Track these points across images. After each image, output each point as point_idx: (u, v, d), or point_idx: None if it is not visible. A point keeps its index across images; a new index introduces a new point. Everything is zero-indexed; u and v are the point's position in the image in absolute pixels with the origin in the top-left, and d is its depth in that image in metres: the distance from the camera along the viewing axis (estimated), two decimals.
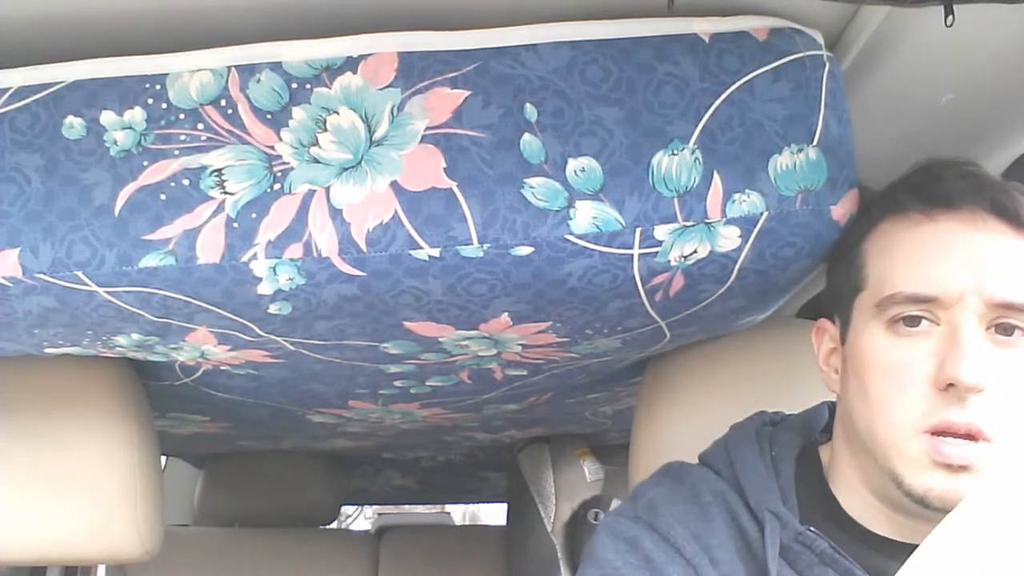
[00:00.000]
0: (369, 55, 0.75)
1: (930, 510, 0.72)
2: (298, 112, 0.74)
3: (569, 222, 0.73)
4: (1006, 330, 0.73)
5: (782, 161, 0.74)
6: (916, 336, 0.73)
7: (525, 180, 0.73)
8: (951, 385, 0.70)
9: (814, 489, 0.82)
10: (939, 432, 0.71)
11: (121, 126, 0.76)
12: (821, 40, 0.78)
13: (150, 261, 0.75)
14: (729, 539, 0.79)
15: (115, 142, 0.76)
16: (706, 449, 0.89)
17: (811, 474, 0.83)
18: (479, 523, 4.33)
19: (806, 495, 0.81)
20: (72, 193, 0.75)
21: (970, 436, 0.71)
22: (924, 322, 0.73)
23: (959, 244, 0.73)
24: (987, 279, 0.72)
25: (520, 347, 0.96)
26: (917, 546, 0.71)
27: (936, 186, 0.76)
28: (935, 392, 0.71)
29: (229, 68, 0.76)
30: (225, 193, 0.74)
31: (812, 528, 0.77)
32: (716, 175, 0.74)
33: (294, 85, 0.75)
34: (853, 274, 0.78)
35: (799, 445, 0.86)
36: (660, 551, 0.78)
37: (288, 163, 0.74)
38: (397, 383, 1.13)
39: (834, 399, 0.86)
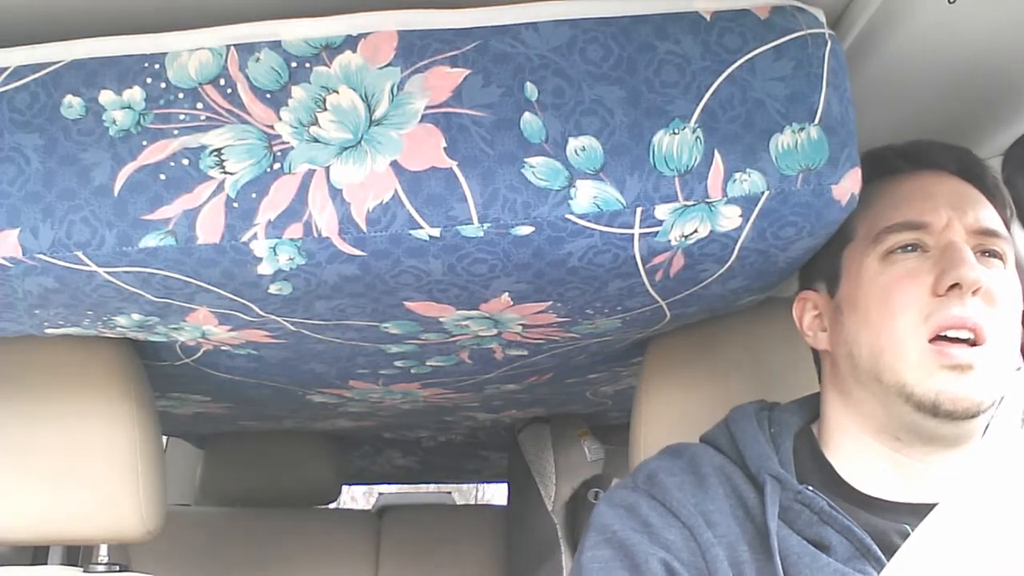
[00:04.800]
0: (368, 33, 0.74)
1: (940, 418, 0.77)
2: (297, 91, 0.74)
3: (570, 201, 0.73)
4: (990, 254, 0.82)
5: (783, 140, 0.74)
6: (911, 259, 0.81)
7: (525, 159, 0.73)
8: (953, 287, 0.77)
9: (811, 460, 0.85)
10: (944, 329, 0.77)
11: (120, 105, 0.75)
12: (823, 18, 0.78)
13: (150, 241, 0.75)
14: (727, 506, 0.82)
15: (114, 121, 0.75)
16: (707, 430, 0.92)
17: (808, 448, 0.86)
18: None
19: (803, 465, 0.85)
20: (71, 173, 0.75)
21: (972, 332, 0.76)
22: (915, 251, 0.81)
23: (938, 187, 0.84)
24: (966, 211, 0.82)
25: (520, 327, 0.96)
26: (909, 504, 0.78)
27: (917, 148, 0.87)
28: (934, 298, 0.78)
29: (228, 47, 0.75)
30: (225, 173, 0.74)
31: (810, 488, 0.80)
32: (717, 154, 0.73)
33: (293, 64, 0.74)
34: (837, 232, 0.82)
35: (797, 425, 0.89)
36: (657, 515, 0.81)
37: (288, 143, 0.74)
38: (397, 363, 1.13)
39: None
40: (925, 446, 0.80)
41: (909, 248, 0.81)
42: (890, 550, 0.76)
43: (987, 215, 0.83)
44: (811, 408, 0.91)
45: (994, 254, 0.82)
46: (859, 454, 0.83)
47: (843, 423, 0.85)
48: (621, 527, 0.80)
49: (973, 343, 0.77)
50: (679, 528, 0.80)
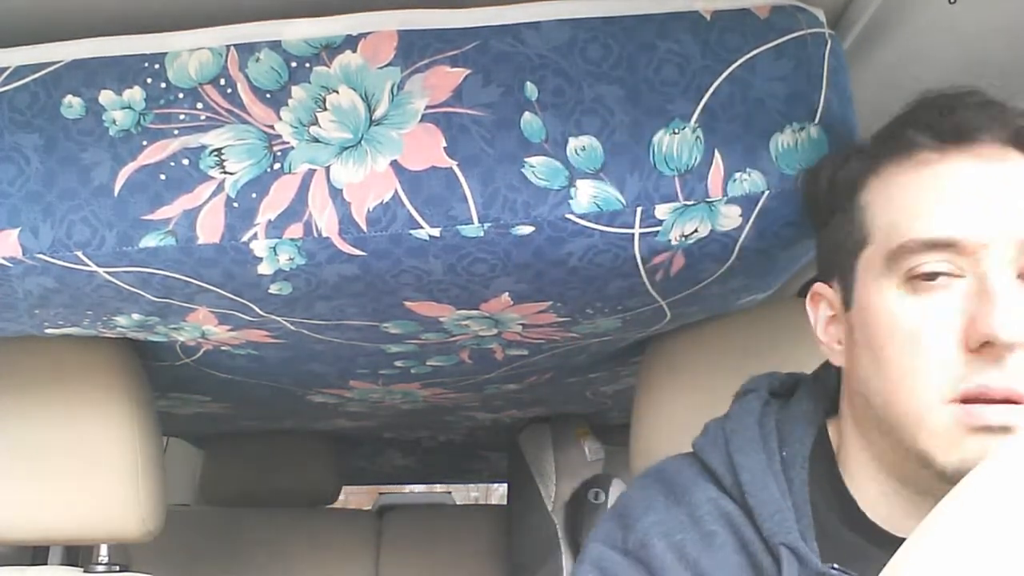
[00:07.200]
0: (369, 33, 0.74)
1: None
2: (297, 91, 0.74)
3: (570, 201, 0.73)
4: None
5: (783, 139, 0.74)
6: (937, 291, 0.63)
7: (526, 159, 0.73)
8: (985, 344, 0.61)
9: (829, 490, 0.73)
10: (973, 399, 0.62)
11: (120, 105, 0.76)
12: (823, 18, 0.78)
13: (150, 241, 0.75)
14: (739, 570, 0.70)
15: (114, 121, 0.75)
16: (703, 439, 0.79)
17: (825, 470, 0.74)
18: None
19: (821, 498, 0.72)
20: (71, 173, 0.75)
21: (1009, 401, 0.61)
22: (942, 277, 0.63)
23: (980, 181, 0.64)
24: (1017, 217, 0.62)
25: (521, 327, 0.96)
26: None
27: (949, 119, 0.66)
28: (966, 354, 0.62)
29: (228, 47, 0.75)
30: (225, 173, 0.74)
31: (835, 566, 0.67)
32: (717, 154, 0.73)
33: (293, 64, 0.74)
34: (854, 229, 0.69)
35: (812, 434, 0.75)
36: None
37: (288, 142, 0.74)
38: (398, 363, 1.13)
39: None
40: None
41: (934, 274, 0.64)
42: None
43: None
44: (826, 395, 0.77)
45: None
46: (880, 485, 0.70)
47: (859, 451, 0.71)
48: None
49: (1016, 402, 0.62)
50: None
